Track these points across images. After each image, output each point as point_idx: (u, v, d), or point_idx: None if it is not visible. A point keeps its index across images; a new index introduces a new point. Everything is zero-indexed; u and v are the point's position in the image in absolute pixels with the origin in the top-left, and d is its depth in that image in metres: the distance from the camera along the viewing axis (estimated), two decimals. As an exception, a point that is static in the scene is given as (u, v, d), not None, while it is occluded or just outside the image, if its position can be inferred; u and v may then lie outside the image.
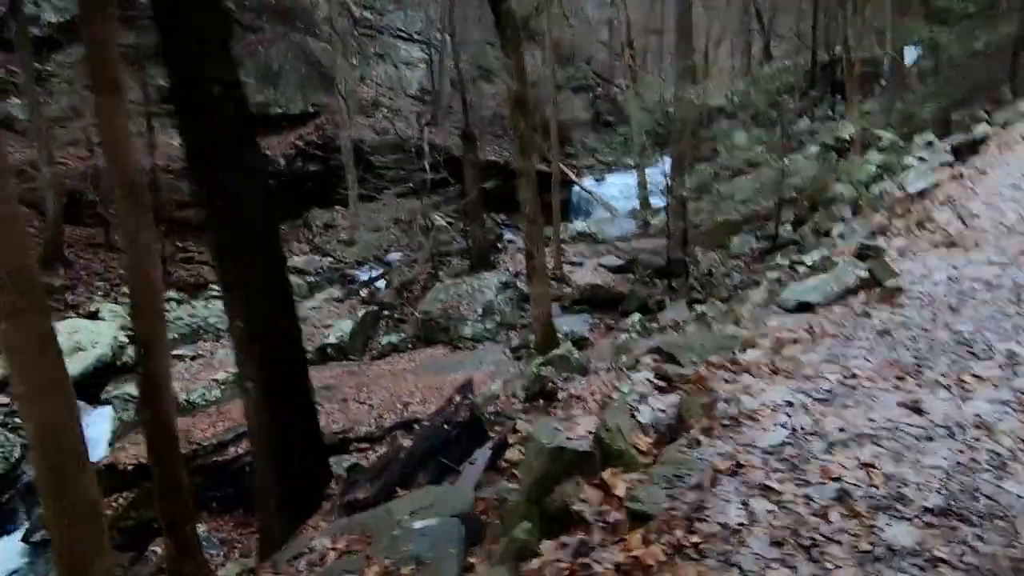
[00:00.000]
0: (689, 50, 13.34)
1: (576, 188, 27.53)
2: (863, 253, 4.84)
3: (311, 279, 19.64)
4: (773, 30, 28.44)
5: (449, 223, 26.72)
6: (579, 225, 22.54)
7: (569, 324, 10.31)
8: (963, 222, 4.48)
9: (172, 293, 16.22)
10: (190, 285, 18.55)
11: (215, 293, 14.12)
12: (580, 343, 8.26)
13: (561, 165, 25.93)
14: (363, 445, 7.87)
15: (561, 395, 5.36)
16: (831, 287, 4.03)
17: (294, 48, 26.38)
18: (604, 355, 6.91)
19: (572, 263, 16.83)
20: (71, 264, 17.87)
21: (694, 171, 15.34)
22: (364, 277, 20.22)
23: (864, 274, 3.94)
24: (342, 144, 23.03)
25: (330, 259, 21.12)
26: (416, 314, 12.10)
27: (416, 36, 33.19)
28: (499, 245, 18.74)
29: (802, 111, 24.88)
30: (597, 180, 28.36)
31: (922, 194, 6.43)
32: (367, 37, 31.84)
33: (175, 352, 12.49)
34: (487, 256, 16.33)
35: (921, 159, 10.98)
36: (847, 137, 12.14)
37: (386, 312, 14.23)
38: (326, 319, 13.91)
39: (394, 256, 21.95)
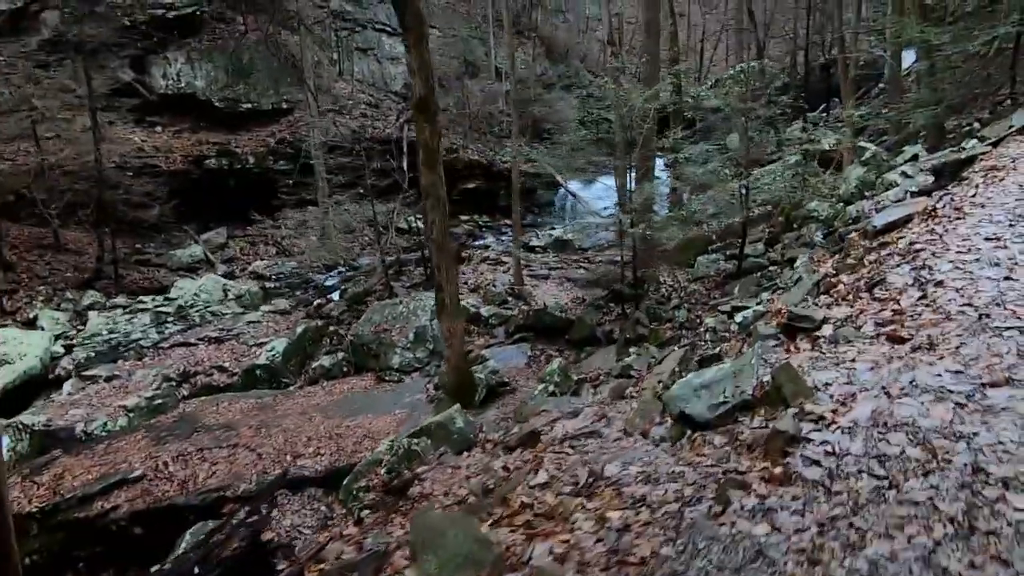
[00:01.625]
0: (656, 49, 12.03)
1: (562, 191, 26.26)
2: (790, 325, 3.60)
3: (270, 285, 18.50)
4: (768, 29, 26.97)
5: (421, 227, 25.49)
6: (558, 231, 21.29)
7: (505, 357, 9.11)
8: (922, 292, 3.25)
9: (121, 300, 15.11)
10: (143, 289, 17.43)
11: (144, 305, 12.99)
12: (498, 390, 7.07)
13: (549, 166, 24.64)
14: (238, 507, 6.74)
15: (415, 488, 4.20)
16: (725, 392, 2.82)
17: (266, 41, 25.04)
18: (520, 411, 5.73)
19: (538, 276, 15.62)
20: (12, 266, 16.74)
21: (658, 181, 14.09)
22: (330, 283, 19.08)
23: (767, 378, 2.72)
24: (312, 142, 21.86)
25: (295, 263, 19.96)
26: (349, 336, 10.92)
27: (400, 30, 31.88)
28: (463, 255, 17.54)
29: (796, 114, 23.48)
30: (586, 183, 27.10)
31: (886, 231, 5.17)
32: (348, 31, 30.56)
33: (87, 373, 11.40)
34: (446, 267, 15.12)
35: (905, 175, 9.69)
36: (826, 147, 10.82)
37: (332, 328, 13.06)
38: (264, 335, 12.77)
39: (365, 260, 20.78)
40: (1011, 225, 3.80)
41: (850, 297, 3.72)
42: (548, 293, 13.90)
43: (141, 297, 13.39)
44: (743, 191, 9.17)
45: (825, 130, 12.19)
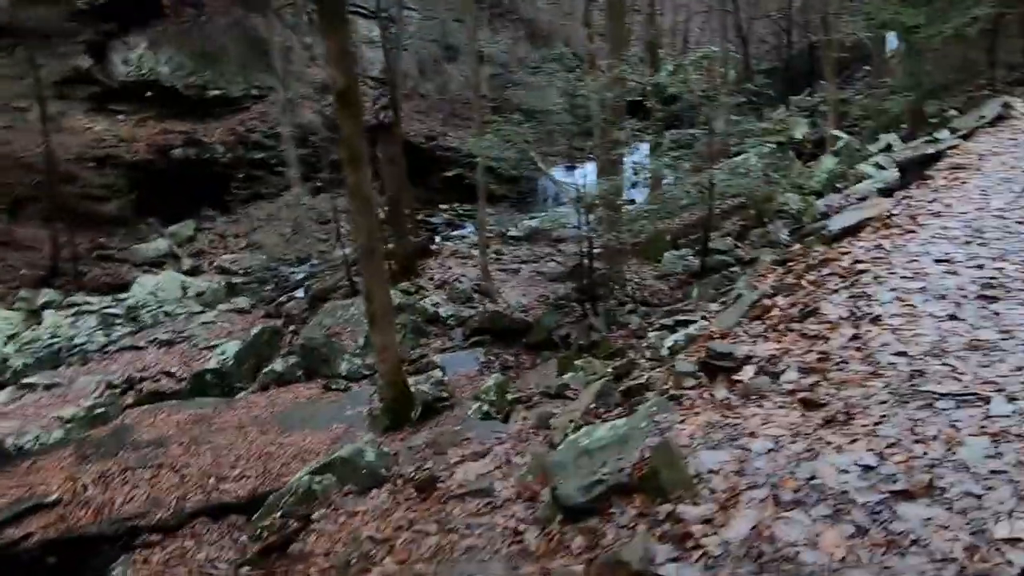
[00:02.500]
0: (621, 31, 11.36)
1: (544, 178, 25.55)
2: (709, 363, 3.07)
3: (237, 280, 17.84)
4: (756, 9, 26.14)
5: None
6: (534, 220, 20.62)
7: (456, 363, 8.57)
8: (855, 330, 2.72)
9: (79, 297, 14.44)
10: (105, 285, 16.74)
11: (91, 307, 12.36)
12: (436, 406, 6.55)
13: (533, 153, 23.88)
14: (155, 537, 6.24)
15: (298, 545, 3.69)
16: (605, 466, 2.29)
17: (234, 25, 24.02)
18: (439, 442, 5.20)
19: (508, 270, 15.04)
20: (-38, 265, 16.03)
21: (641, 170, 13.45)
22: (299, 277, 18.43)
23: (650, 449, 2.19)
24: (282, 129, 21.04)
25: (264, 256, 19.25)
26: (300, 340, 10.35)
27: (378, 13, 30.83)
28: (432, 247, 16.92)
29: (780, 98, 22.77)
30: (569, 168, 26.42)
31: (842, 237, 4.64)
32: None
33: (26, 380, 10.80)
34: (412, 263, 14.50)
35: (878, 166, 9.14)
36: (799, 136, 10.22)
37: (292, 328, 12.48)
38: (218, 336, 12.17)
39: (342, 252, 20.10)
40: (966, 243, 3.27)
41: (781, 328, 3.18)
42: (517, 289, 13.34)
43: (88, 299, 12.74)
44: (708, 184, 8.59)
45: (797, 118, 11.57)
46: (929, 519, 1.48)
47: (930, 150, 5.90)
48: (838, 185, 9.70)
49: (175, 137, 21.23)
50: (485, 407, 5.68)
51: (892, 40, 16.87)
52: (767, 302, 3.69)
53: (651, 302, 8.84)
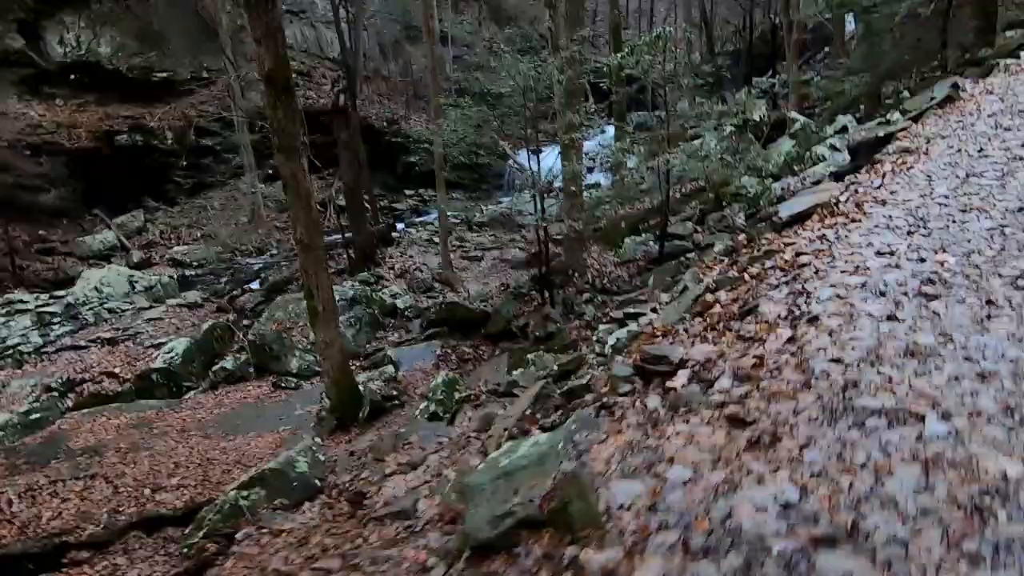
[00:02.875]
0: (577, 11, 10.99)
1: (510, 162, 25.15)
2: (644, 368, 2.86)
3: (191, 272, 17.11)
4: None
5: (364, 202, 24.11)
6: (500, 206, 20.24)
7: (412, 357, 8.29)
8: (791, 332, 2.53)
9: (15, 295, 13.56)
10: (47, 281, 15.84)
11: (26, 305, 11.61)
12: (385, 405, 6.25)
13: (495, 136, 23.45)
14: (84, 554, 5.85)
15: (213, 571, 3.40)
16: (517, 495, 2.06)
17: (181, 2, 22.77)
18: (380, 447, 4.92)
19: (471, 258, 14.74)
20: None
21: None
22: (256, 268, 17.76)
23: (563, 476, 1.96)
24: (235, 114, 20.10)
25: (220, 247, 18.47)
26: (250, 335, 9.90)
27: (336, -9, 29.66)
28: (394, 235, 16.49)
29: (744, 80, 22.67)
30: (535, 152, 26.06)
31: (791, 224, 4.48)
32: (277, -8, 28.17)
33: (-47, 387, 10.12)
34: (372, 252, 14.07)
35: (834, 148, 9.06)
36: (756, 119, 10.09)
37: (245, 323, 11.97)
38: (165, 333, 11.61)
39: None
40: (910, 232, 3.11)
41: (720, 327, 2.98)
42: (479, 277, 13.07)
43: (23, 297, 11.97)
44: (664, 169, 8.39)
45: (755, 100, 11.44)
46: (849, 573, 1.29)
47: (880, 133, 5.77)
48: (795, 168, 9.62)
49: (120, 122, 20.12)
50: (433, 406, 5.42)
51: (852, 21, 16.89)
52: (709, 297, 3.49)
53: (610, 289, 8.67)
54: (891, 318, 2.37)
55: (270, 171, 19.21)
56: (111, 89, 20.38)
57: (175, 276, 16.02)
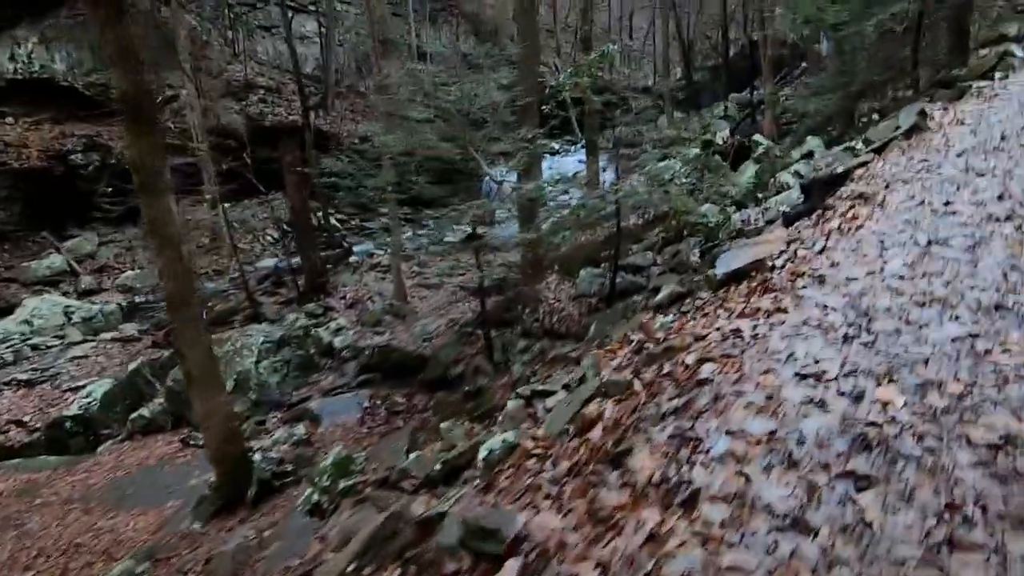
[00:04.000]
0: (532, 23, 10.21)
1: (487, 180, 24.35)
2: (467, 545, 1.97)
3: (140, 298, 16.09)
4: (691, 5, 25.38)
5: (339, 223, 23.27)
6: (459, 229, 19.27)
7: (335, 410, 7.35)
8: (657, 522, 1.66)
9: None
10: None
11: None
12: (274, 484, 5.30)
13: (472, 150, 22.65)
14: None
15: None
16: None
17: (142, 16, 21.87)
18: (217, 571, 3.96)
19: (429, 286, 13.83)
20: None
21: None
22: (208, 293, 16.75)
23: None
24: (194, 132, 19.18)
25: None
26: (169, 380, 8.94)
27: (311, 7, 28.92)
28: (351, 259, 15.56)
29: (723, 95, 22.00)
30: (509, 169, 25.41)
31: (728, 284, 3.64)
32: (250, 7, 27.43)
33: None
34: (322, 280, 13.14)
35: (798, 175, 8.26)
36: (719, 142, 9.28)
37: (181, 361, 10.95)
38: (88, 374, 10.61)
39: (268, 263, 18.45)
40: (847, 338, 2.24)
41: (583, 478, 2.10)
42: (435, 310, 12.15)
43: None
44: (614, 197, 7.54)
45: (719, 120, 10.64)
46: None
47: (839, 168, 4.94)
48: (759, 195, 8.82)
49: (74, 141, 19.15)
50: (316, 495, 4.51)
51: (826, 38, 16.22)
52: (593, 409, 2.62)
53: (557, 331, 7.78)
54: (796, 525, 1.50)
55: (232, 188, 18.27)
56: (67, 106, 19.44)
57: (123, 304, 15.04)
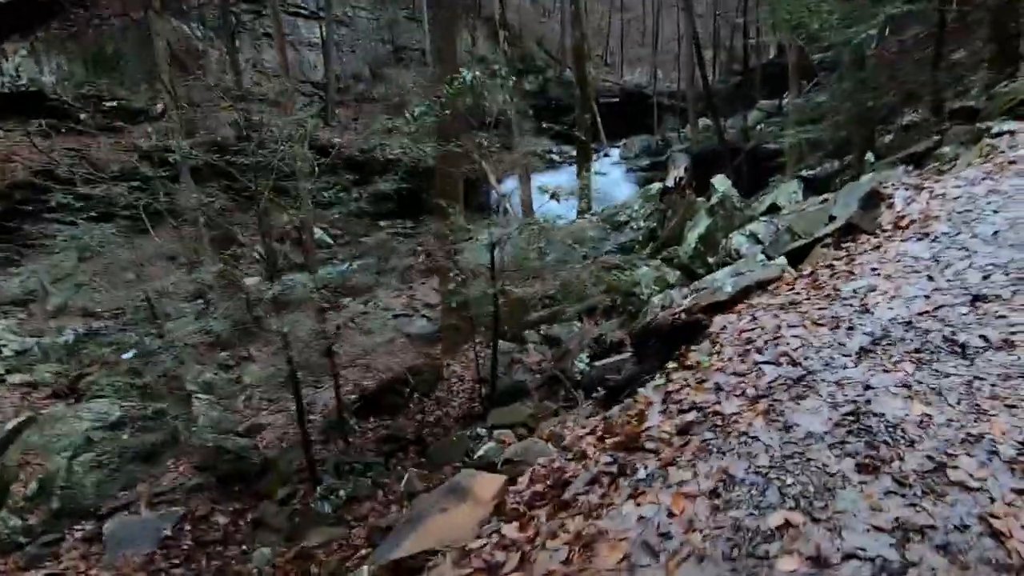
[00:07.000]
0: (451, 34, 8.31)
1: (503, 187, 22.57)
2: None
3: (100, 324, 15.25)
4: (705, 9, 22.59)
5: (334, 237, 22.18)
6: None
7: (129, 536, 5.70)
8: None
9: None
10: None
11: None
12: None
13: (483, 161, 21.03)
14: None
15: None
16: None
17: (134, 27, 21.31)
18: None
19: (365, 332, 12.09)
20: None
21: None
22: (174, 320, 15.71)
23: None
24: (176, 145, 18.28)
25: (153, 292, 16.55)
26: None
27: (319, 13, 27.82)
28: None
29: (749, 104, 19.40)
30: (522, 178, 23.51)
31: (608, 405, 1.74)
32: (254, 15, 26.56)
33: None
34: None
35: (754, 238, 6.05)
36: (670, 183, 7.08)
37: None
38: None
39: (254, 281, 17.32)
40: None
41: None
42: (358, 368, 10.30)
43: None
44: (490, 260, 5.55)
45: (679, 154, 8.29)
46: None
47: (763, 276, 2.84)
48: (709, 259, 6.60)
49: (62, 156, 18.66)
50: None
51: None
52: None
53: (424, 439, 5.87)
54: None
55: (217, 204, 17.28)
56: (56, 120, 19.04)
57: (78, 331, 14.20)
